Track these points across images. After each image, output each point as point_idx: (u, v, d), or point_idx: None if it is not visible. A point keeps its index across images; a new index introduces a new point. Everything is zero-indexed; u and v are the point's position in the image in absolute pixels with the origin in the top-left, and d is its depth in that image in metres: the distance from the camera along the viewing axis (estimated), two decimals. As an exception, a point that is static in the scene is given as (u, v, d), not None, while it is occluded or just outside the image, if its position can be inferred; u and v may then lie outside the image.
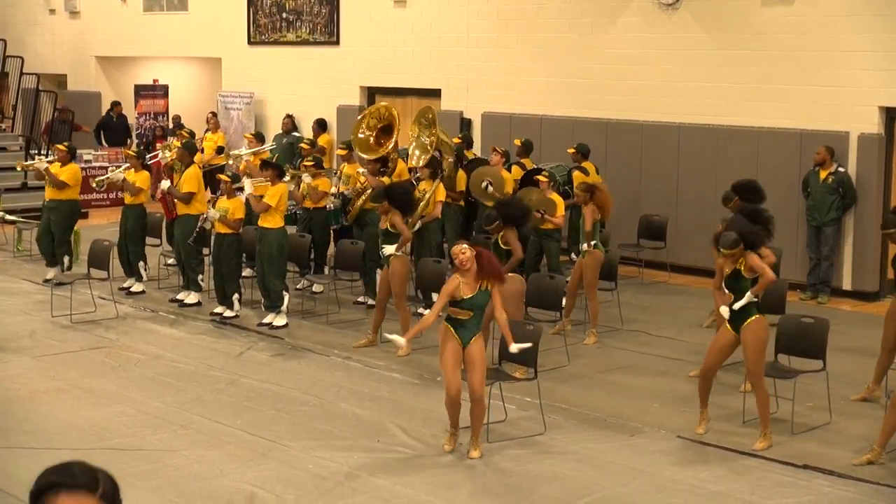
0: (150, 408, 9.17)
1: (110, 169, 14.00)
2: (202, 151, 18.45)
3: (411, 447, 8.32)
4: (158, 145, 19.26)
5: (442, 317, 8.24)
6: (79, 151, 20.25)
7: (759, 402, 8.35)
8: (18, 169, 16.69)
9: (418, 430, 8.62)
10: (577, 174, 14.06)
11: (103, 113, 22.89)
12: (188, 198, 12.70)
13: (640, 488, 7.58)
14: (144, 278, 13.63)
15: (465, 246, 7.99)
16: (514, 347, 8.07)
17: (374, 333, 11.22)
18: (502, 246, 10.22)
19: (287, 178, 12.80)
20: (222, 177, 12.51)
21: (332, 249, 13.60)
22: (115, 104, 22.41)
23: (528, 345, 8.21)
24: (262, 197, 12.00)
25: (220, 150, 19.29)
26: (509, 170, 14.22)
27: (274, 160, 13.58)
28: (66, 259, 13.99)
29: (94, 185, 14.61)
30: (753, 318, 8.26)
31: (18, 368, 10.37)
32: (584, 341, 11.37)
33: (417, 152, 13.48)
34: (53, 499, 2.49)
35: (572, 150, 14.52)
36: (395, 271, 10.92)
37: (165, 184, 12.90)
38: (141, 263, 13.58)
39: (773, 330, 9.51)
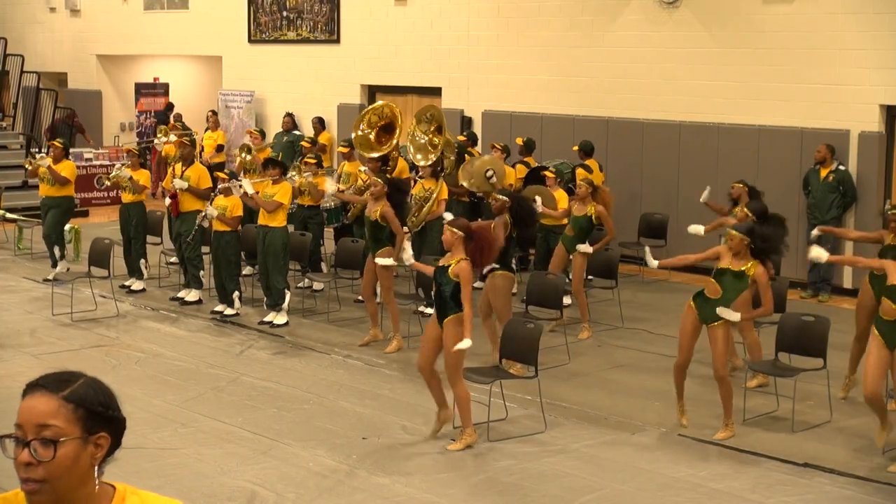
0: (151, 406, 9.17)
1: (117, 167, 14.01)
2: (202, 150, 18.47)
3: (412, 445, 8.33)
4: (155, 140, 19.26)
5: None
6: (80, 149, 20.36)
7: (724, 394, 8.42)
8: (28, 168, 16.67)
9: (419, 428, 8.62)
10: (580, 172, 14.06)
11: (101, 110, 22.90)
12: (208, 193, 12.68)
13: (641, 486, 7.58)
14: (145, 276, 13.63)
15: (455, 230, 8.15)
16: (458, 345, 7.98)
17: (375, 327, 11.22)
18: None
19: (293, 175, 12.84)
20: (220, 174, 12.52)
21: (332, 248, 13.60)
22: (170, 105, 22.35)
23: (468, 344, 7.99)
24: (259, 195, 12.02)
25: (219, 149, 19.30)
26: (512, 167, 14.23)
27: (278, 158, 13.60)
28: (56, 250, 14.03)
29: (103, 182, 14.63)
30: (722, 322, 8.33)
31: (19, 366, 10.37)
32: (578, 335, 11.37)
33: (419, 155, 13.39)
34: (21, 403, 2.44)
35: (576, 148, 14.51)
36: (385, 273, 10.95)
37: (183, 183, 12.69)
38: (143, 261, 13.58)
39: (773, 328, 9.54)
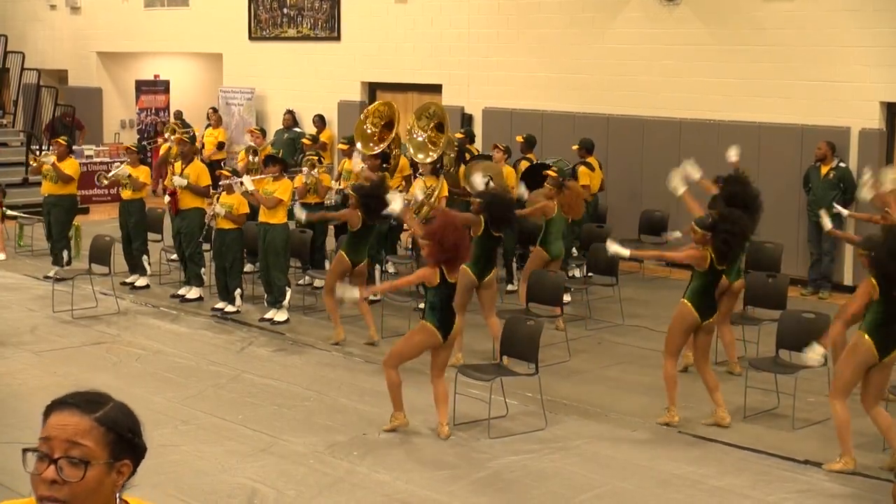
0: (151, 403, 9.17)
1: (115, 165, 14.05)
2: (203, 147, 18.46)
3: (413, 442, 8.33)
4: (160, 140, 19.28)
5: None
6: (80, 147, 20.35)
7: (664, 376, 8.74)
8: (33, 164, 16.71)
9: (419, 426, 8.62)
10: (582, 170, 14.04)
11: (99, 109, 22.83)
12: (207, 190, 12.73)
13: (641, 483, 7.58)
14: (148, 272, 13.64)
15: (427, 241, 8.34)
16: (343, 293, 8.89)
17: (371, 325, 11.21)
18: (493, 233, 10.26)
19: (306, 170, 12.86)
20: (224, 172, 12.53)
21: (332, 245, 13.60)
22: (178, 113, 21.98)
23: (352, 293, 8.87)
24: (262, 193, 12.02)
25: (220, 146, 19.29)
26: (514, 166, 14.24)
27: (278, 155, 13.61)
28: (65, 254, 13.99)
29: (103, 181, 14.66)
30: (683, 300, 8.66)
31: (20, 364, 10.38)
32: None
33: (420, 154, 13.41)
34: (48, 418, 2.34)
35: (576, 147, 14.48)
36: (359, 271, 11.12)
37: (182, 181, 12.70)
38: (144, 258, 13.60)
39: (774, 325, 9.54)
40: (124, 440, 2.36)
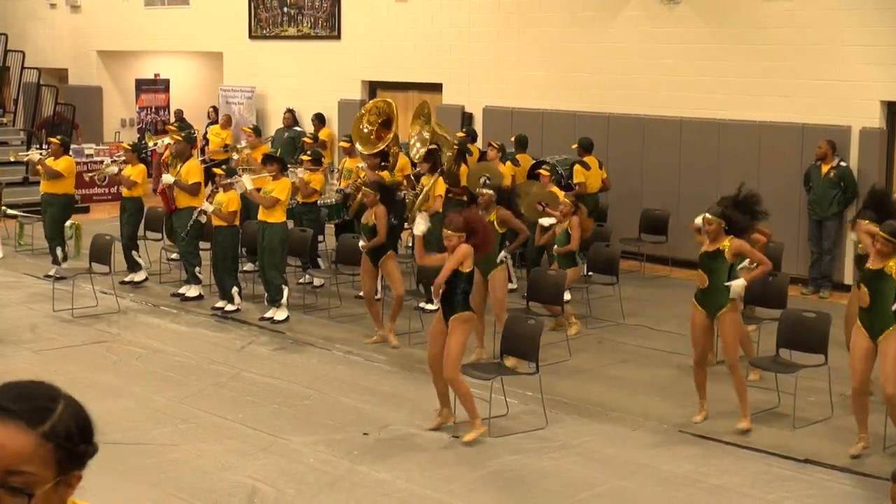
0: (152, 402, 9.18)
1: (105, 162, 14.08)
2: (206, 145, 18.45)
3: (413, 441, 8.33)
4: (149, 140, 19.25)
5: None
6: (81, 146, 20.34)
7: (736, 387, 8.49)
8: (12, 159, 16.75)
9: (419, 425, 8.62)
10: (577, 168, 14.04)
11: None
12: (196, 188, 12.75)
13: (642, 482, 7.58)
14: (141, 266, 13.62)
15: (456, 233, 8.21)
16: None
17: (381, 328, 11.21)
18: (497, 228, 10.24)
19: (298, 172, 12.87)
20: (217, 170, 12.53)
21: (333, 244, 13.61)
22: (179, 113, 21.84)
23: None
24: (260, 191, 12.01)
25: (226, 148, 19.27)
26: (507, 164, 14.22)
27: (276, 154, 13.60)
28: (58, 251, 13.97)
29: (87, 178, 14.69)
30: (727, 306, 8.42)
31: (20, 362, 10.38)
32: (568, 331, 11.17)
33: (418, 145, 13.52)
34: None
35: (575, 146, 14.46)
36: (388, 271, 11.08)
37: (169, 178, 12.85)
38: (134, 253, 13.59)
39: (774, 325, 9.54)
40: (76, 454, 1.97)
